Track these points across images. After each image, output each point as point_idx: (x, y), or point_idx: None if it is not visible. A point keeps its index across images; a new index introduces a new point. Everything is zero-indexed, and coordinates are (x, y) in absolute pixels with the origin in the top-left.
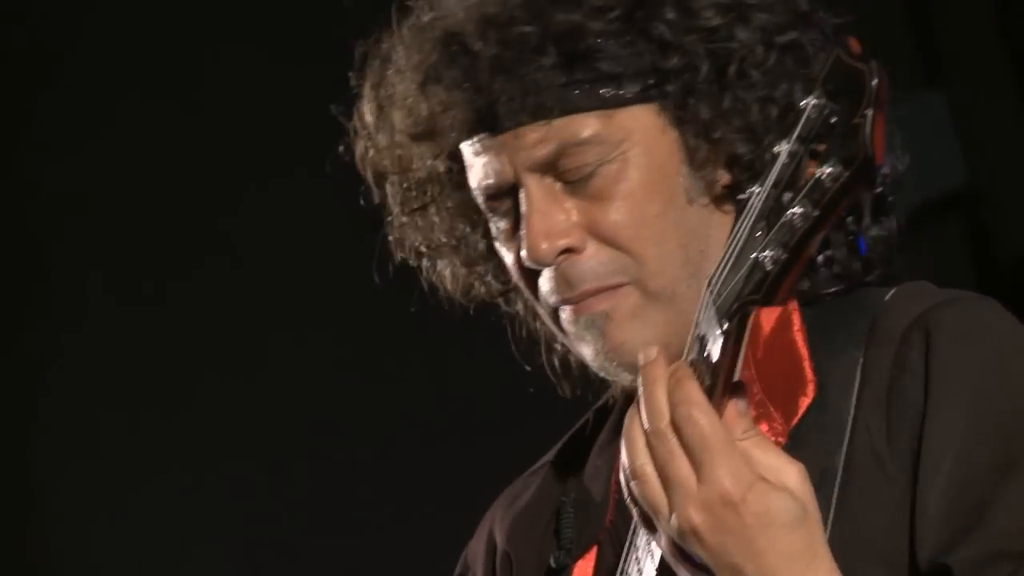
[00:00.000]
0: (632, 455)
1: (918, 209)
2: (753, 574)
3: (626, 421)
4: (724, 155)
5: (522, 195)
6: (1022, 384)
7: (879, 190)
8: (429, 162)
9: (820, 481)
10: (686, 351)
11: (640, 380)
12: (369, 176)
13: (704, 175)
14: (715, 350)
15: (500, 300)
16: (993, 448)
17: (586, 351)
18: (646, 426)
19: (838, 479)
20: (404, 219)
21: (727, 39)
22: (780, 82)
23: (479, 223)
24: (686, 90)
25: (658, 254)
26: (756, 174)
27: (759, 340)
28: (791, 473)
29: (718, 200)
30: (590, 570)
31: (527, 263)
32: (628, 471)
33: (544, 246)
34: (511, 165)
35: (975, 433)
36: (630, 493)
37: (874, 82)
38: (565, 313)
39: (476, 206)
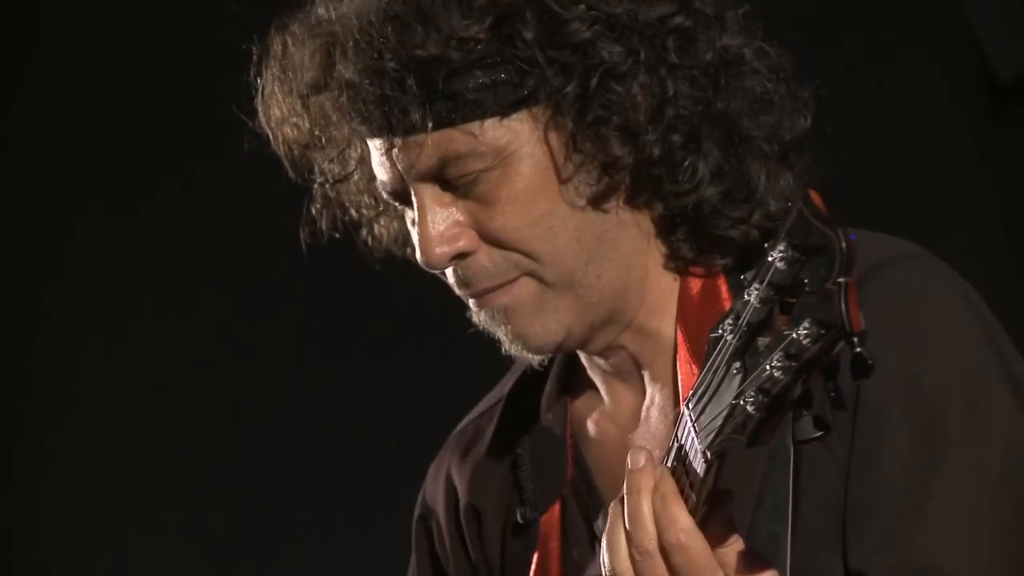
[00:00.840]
0: (614, 561)
1: None
2: None
3: (610, 520)
4: (600, 158)
5: (413, 200)
6: (947, 372)
7: (858, 350)
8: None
9: (772, 463)
10: (666, 454)
11: (626, 485)
12: (284, 156)
13: (585, 176)
14: (698, 470)
15: None
16: (919, 453)
17: (496, 334)
18: (629, 532)
19: (791, 459)
20: (328, 189)
21: (592, 50)
22: (655, 75)
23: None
24: (553, 103)
25: (550, 249)
26: (639, 170)
27: (690, 312)
28: None
29: (605, 193)
30: (556, 523)
31: (423, 266)
32: (608, 571)
33: (436, 251)
34: (399, 172)
35: (903, 433)
36: None
37: (843, 247)
38: (471, 303)
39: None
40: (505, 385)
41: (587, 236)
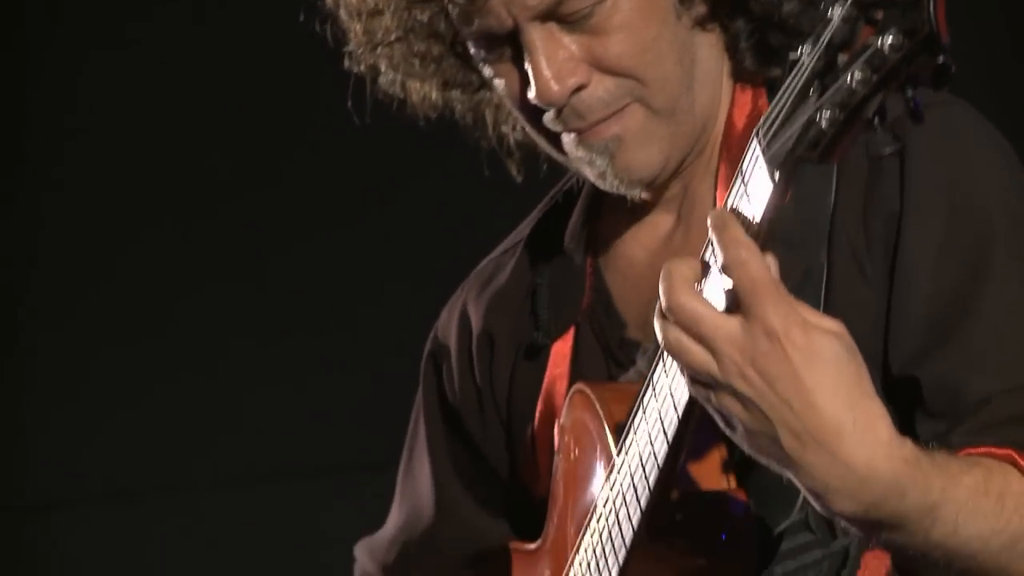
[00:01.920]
0: (663, 334)
1: None
2: (800, 409)
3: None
4: None
5: (523, 42)
6: (991, 191)
7: (941, 60)
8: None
9: (805, 280)
10: (729, 198)
11: (662, 278)
12: (343, 14)
13: None
14: (760, 201)
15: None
16: (967, 260)
17: (590, 171)
18: (664, 307)
19: (824, 277)
20: (376, 50)
21: None
22: None
23: (453, 47)
24: None
25: (660, 74)
26: None
27: (733, 142)
28: (834, 322)
29: (704, 14)
30: (568, 350)
31: (538, 104)
32: (663, 349)
33: (555, 88)
34: (510, 15)
35: (950, 243)
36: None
37: None
38: (569, 138)
39: (448, 31)
40: (528, 225)
41: (686, 59)
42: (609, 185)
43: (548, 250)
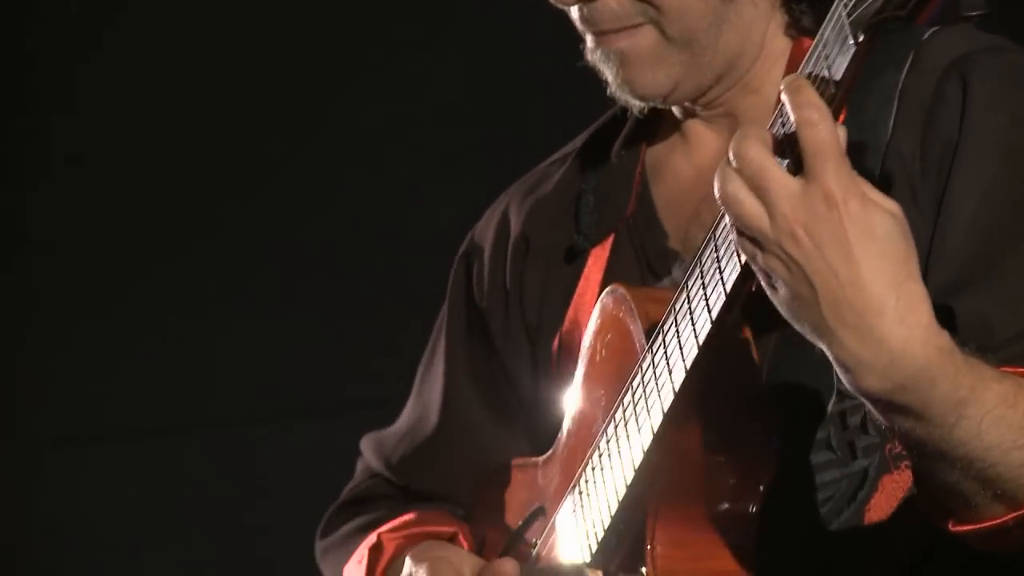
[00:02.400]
0: (721, 183)
1: None
2: (845, 278)
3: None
4: None
5: None
6: None
7: None
8: None
9: None
10: (804, 64)
11: (736, 133)
12: None
13: None
14: (840, 64)
15: None
16: (1014, 199)
17: (605, 75)
18: (731, 154)
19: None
20: None
21: None
22: None
23: None
24: None
25: (678, 5)
26: None
27: (793, 65)
28: (892, 202)
29: None
30: (605, 256)
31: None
32: (719, 199)
33: None
34: None
35: (1000, 180)
36: (731, 226)
37: None
38: (589, 38)
39: None
40: (582, 138)
41: None
42: (615, 92)
43: (598, 160)
